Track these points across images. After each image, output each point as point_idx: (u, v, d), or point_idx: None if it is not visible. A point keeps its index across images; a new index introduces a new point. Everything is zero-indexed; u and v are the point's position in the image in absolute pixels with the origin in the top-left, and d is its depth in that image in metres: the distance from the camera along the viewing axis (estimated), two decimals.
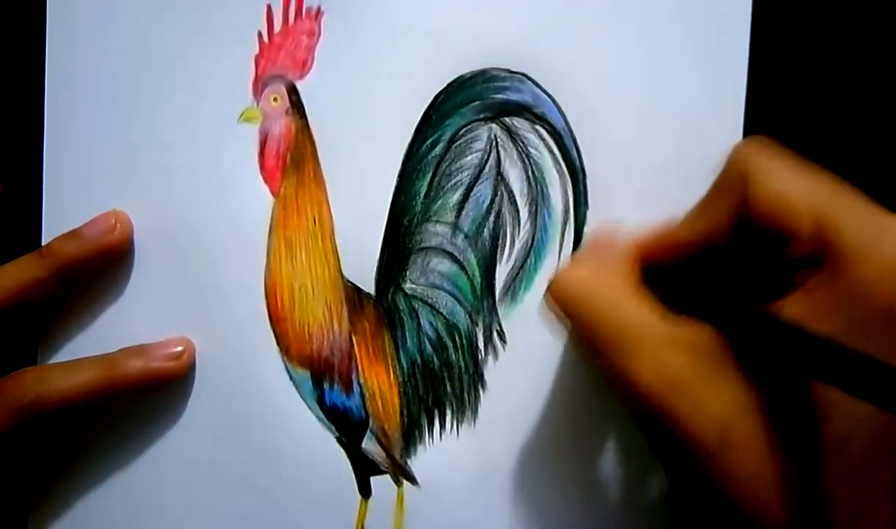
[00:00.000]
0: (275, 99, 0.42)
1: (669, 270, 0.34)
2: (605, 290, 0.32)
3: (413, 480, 0.42)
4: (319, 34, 0.42)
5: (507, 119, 0.41)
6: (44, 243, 0.42)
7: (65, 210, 0.42)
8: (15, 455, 0.42)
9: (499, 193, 0.41)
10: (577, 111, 0.40)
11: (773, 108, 0.40)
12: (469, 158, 0.41)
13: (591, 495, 0.41)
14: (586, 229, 0.41)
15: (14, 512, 0.43)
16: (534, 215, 0.41)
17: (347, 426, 0.43)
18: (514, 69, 0.40)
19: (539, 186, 0.41)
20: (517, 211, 0.41)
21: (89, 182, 0.43)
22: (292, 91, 0.42)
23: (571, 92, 0.40)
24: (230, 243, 0.42)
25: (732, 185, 0.31)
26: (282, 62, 0.42)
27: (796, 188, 0.29)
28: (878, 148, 0.40)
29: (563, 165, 0.41)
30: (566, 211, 0.41)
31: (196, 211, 0.42)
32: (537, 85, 0.40)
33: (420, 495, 0.42)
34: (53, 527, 0.43)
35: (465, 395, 0.42)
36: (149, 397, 0.42)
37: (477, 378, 0.42)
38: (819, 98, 0.41)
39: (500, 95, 0.41)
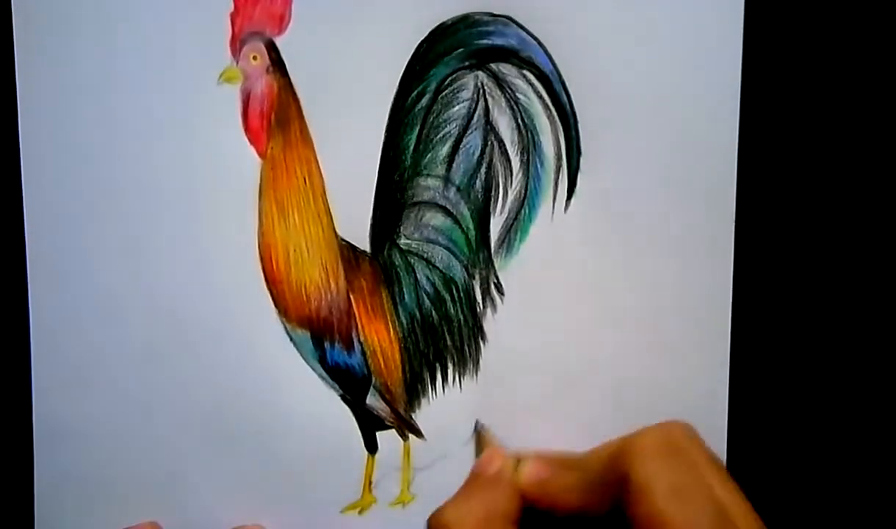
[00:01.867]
0: (254, 57, 0.41)
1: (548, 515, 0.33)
2: None
3: (419, 433, 0.43)
4: None
5: (493, 65, 0.40)
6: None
7: (45, 182, 0.42)
8: None
9: (489, 142, 0.40)
10: (565, 53, 0.39)
11: (770, 43, 0.38)
12: (456, 108, 0.40)
13: (592, 442, 0.41)
14: (580, 176, 0.40)
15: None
16: (525, 164, 0.40)
17: (351, 384, 0.43)
18: (496, 12, 0.39)
19: (529, 134, 0.40)
20: (508, 161, 0.40)
21: (69, 153, 0.42)
22: (271, 48, 0.41)
23: (558, 33, 0.39)
24: (220, 208, 0.42)
25: (614, 481, 0.29)
26: (258, 18, 0.41)
27: (677, 517, 0.28)
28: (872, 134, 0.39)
29: (553, 110, 0.39)
30: (558, 158, 0.40)
31: (182, 178, 0.42)
32: (522, 28, 0.39)
33: (426, 447, 0.43)
34: (59, 496, 0.44)
35: (466, 348, 0.42)
36: (152, 365, 0.43)
37: (476, 331, 0.42)
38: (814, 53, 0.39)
39: (484, 41, 0.39)
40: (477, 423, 0.42)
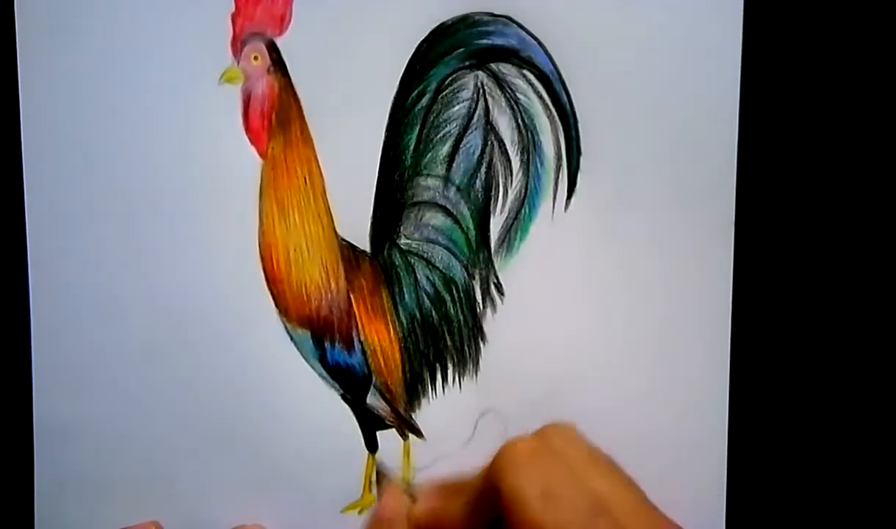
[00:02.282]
0: (255, 57, 0.41)
1: None
2: None
3: (418, 433, 0.43)
4: None
5: (493, 65, 0.40)
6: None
7: (46, 182, 0.42)
8: None
9: (489, 142, 0.40)
10: (565, 53, 0.39)
11: (770, 44, 0.38)
12: (456, 107, 0.40)
13: (592, 440, 0.41)
14: (580, 176, 0.40)
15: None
16: (525, 163, 0.40)
17: (351, 383, 0.43)
18: (497, 12, 0.39)
19: (530, 134, 0.40)
20: (508, 160, 0.40)
21: (70, 154, 0.42)
22: (272, 49, 0.41)
23: (558, 33, 0.39)
24: (221, 207, 0.42)
25: (491, 496, 0.29)
26: (259, 19, 0.41)
27: (550, 520, 0.28)
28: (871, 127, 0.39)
29: (553, 110, 0.39)
30: (558, 158, 0.40)
31: (183, 178, 0.42)
32: (522, 28, 0.39)
33: (426, 447, 0.43)
34: (59, 496, 0.44)
35: (466, 348, 0.42)
36: (152, 365, 0.43)
37: (476, 331, 0.42)
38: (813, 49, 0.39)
39: (484, 41, 0.39)
40: (379, 464, 0.42)
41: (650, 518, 0.28)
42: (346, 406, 0.43)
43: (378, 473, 0.42)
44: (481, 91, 0.40)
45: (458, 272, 0.42)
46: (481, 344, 0.42)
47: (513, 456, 0.29)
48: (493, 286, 0.41)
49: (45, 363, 0.43)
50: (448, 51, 0.40)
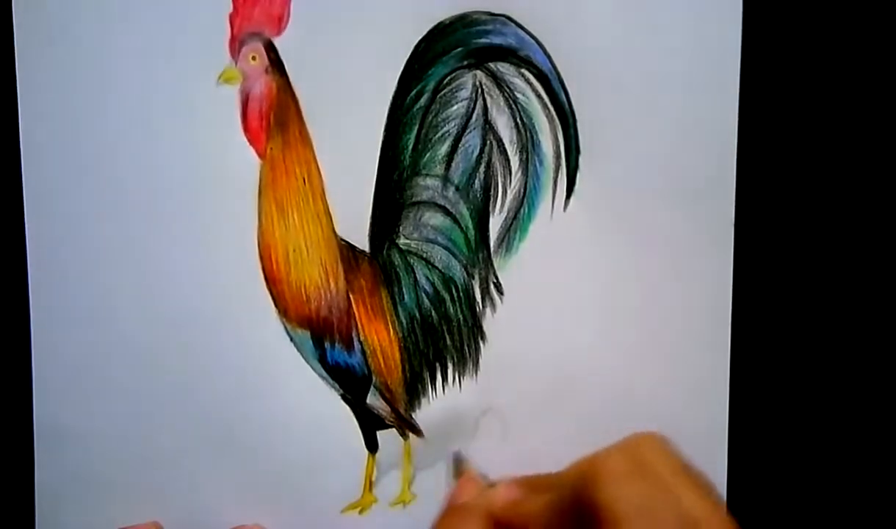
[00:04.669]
0: (253, 57, 0.41)
1: None
2: None
3: (419, 432, 0.43)
4: None
5: (491, 65, 0.40)
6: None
7: (45, 183, 0.42)
8: None
9: (487, 142, 0.40)
10: (563, 52, 0.39)
11: (769, 43, 0.38)
12: (455, 107, 0.40)
13: (591, 441, 0.41)
14: (579, 175, 0.39)
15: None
16: (524, 163, 0.40)
17: (351, 383, 0.43)
18: (495, 11, 0.39)
19: (528, 133, 0.40)
20: (507, 160, 0.40)
21: (69, 154, 0.42)
22: (270, 49, 0.41)
23: (556, 32, 0.39)
24: (220, 208, 0.42)
25: (581, 505, 0.30)
26: (257, 19, 0.41)
27: None
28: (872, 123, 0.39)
29: (551, 109, 0.39)
30: (557, 157, 0.40)
31: (181, 178, 0.42)
32: (520, 27, 0.39)
33: (426, 446, 0.43)
34: (60, 496, 0.44)
35: (465, 347, 0.42)
36: (152, 365, 0.43)
37: (476, 330, 0.42)
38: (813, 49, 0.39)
39: (482, 40, 0.39)
40: (455, 453, 0.42)
41: None
42: (346, 406, 0.43)
43: (454, 460, 0.42)
44: (480, 90, 0.40)
45: (458, 272, 0.42)
46: (481, 344, 0.42)
47: (609, 471, 0.30)
48: (492, 286, 0.41)
49: (45, 364, 0.43)
50: (446, 50, 0.40)
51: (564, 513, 0.31)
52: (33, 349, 0.44)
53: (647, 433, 0.31)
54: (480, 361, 0.42)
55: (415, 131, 0.41)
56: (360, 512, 0.43)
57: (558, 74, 0.39)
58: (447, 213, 0.41)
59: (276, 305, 0.43)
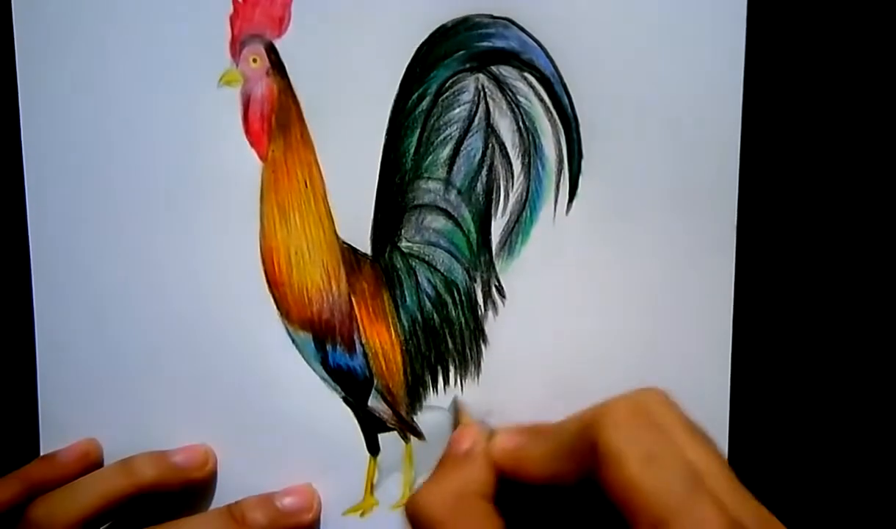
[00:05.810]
0: (254, 60, 0.41)
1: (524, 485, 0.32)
2: (461, 519, 0.31)
3: (420, 435, 0.43)
4: None
5: (493, 68, 0.39)
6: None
7: (47, 186, 0.42)
8: None
9: (490, 145, 0.40)
10: (566, 56, 0.38)
11: (773, 46, 0.38)
12: (457, 110, 0.40)
13: None
14: (581, 179, 0.39)
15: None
16: (527, 166, 0.40)
17: (353, 386, 0.43)
18: (497, 14, 0.38)
19: (531, 137, 0.40)
20: (509, 163, 0.40)
21: (70, 157, 0.42)
22: (271, 51, 0.41)
23: (559, 35, 0.38)
24: (222, 211, 0.42)
25: (585, 450, 0.29)
26: (258, 21, 0.41)
27: (648, 483, 0.27)
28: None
29: (554, 113, 0.39)
30: (560, 161, 0.40)
31: (183, 181, 0.42)
32: (523, 30, 0.39)
33: (428, 449, 0.43)
34: None
35: (467, 350, 0.42)
36: (155, 368, 0.43)
37: (478, 334, 0.42)
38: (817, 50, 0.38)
39: (485, 43, 0.39)
40: (455, 399, 0.41)
41: (740, 495, 0.28)
42: (348, 409, 0.43)
43: (454, 406, 0.41)
44: (482, 94, 0.40)
45: (460, 275, 0.42)
46: (483, 347, 0.42)
47: (615, 415, 0.29)
48: (494, 289, 0.41)
49: (50, 364, 0.44)
50: (448, 53, 0.39)
51: (567, 460, 0.30)
52: (37, 350, 0.44)
53: (652, 387, 0.31)
54: (482, 363, 0.42)
55: (417, 134, 0.40)
56: (361, 515, 0.43)
57: (561, 77, 0.39)
58: (449, 216, 0.41)
59: (277, 307, 0.43)
